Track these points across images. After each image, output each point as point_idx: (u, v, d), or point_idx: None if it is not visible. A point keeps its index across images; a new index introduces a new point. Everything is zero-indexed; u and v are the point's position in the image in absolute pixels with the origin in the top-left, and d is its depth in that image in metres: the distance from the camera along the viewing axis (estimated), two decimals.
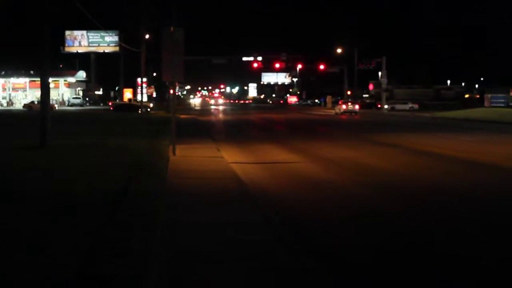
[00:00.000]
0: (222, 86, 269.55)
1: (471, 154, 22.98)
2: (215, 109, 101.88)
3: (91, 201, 11.30)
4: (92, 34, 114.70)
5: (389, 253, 8.82)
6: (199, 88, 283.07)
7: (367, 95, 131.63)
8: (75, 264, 7.14)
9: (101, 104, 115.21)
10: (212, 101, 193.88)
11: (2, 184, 13.76)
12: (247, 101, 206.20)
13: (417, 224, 10.78)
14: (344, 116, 72.91)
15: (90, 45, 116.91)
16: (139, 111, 71.95)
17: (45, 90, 23.61)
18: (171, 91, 36.76)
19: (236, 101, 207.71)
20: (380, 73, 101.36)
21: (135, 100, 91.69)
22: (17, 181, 14.11)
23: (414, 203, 12.81)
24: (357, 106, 79.31)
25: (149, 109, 76.23)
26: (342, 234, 10.06)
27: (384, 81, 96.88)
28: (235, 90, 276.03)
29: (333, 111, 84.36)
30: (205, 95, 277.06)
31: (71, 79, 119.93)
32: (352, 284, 7.51)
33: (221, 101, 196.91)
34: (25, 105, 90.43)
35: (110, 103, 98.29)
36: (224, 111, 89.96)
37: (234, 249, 8.35)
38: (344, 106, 78.91)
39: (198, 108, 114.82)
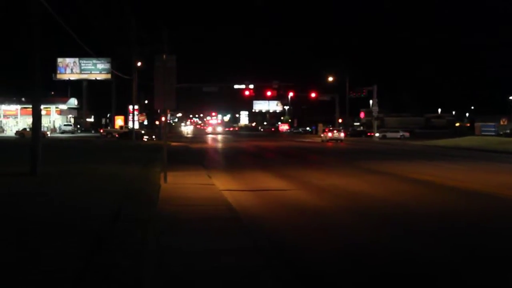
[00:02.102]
0: (213, 114, 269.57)
1: (460, 183, 23.10)
2: (208, 137, 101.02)
3: (80, 228, 11.27)
4: (84, 61, 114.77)
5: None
6: (191, 116, 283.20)
7: (358, 123, 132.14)
8: None
9: (93, 131, 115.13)
10: (209, 129, 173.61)
11: None
12: (231, 128, 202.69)
13: (409, 256, 10.79)
14: (330, 143, 73.88)
15: (82, 72, 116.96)
16: (144, 139, 72.68)
17: (36, 117, 23.61)
18: (163, 119, 36.79)
19: (230, 129, 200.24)
20: (371, 101, 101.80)
21: (127, 127, 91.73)
22: (4, 208, 14.07)
23: (406, 232, 12.83)
24: (342, 134, 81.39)
25: (154, 137, 76.66)
26: (329, 261, 10.06)
27: (375, 109, 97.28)
28: (227, 117, 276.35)
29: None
30: (196, 122, 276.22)
31: (63, 106, 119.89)
32: None
33: (220, 128, 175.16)
34: (17, 132, 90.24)
35: (101, 130, 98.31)
36: (214, 139, 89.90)
37: (224, 274, 8.35)
38: (330, 134, 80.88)
39: (190, 136, 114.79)
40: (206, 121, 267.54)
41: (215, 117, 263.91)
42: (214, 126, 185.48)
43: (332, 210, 16.08)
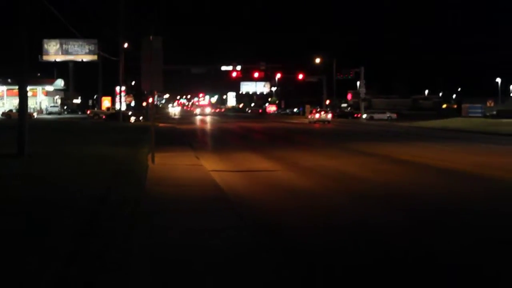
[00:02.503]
0: (201, 95, 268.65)
1: (445, 163, 23.28)
2: (195, 119, 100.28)
3: (68, 209, 11.29)
4: (70, 42, 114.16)
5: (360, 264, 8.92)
6: (178, 97, 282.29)
7: (345, 105, 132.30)
8: (55, 271, 7.15)
9: (79, 113, 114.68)
10: (198, 110, 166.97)
11: None
12: (217, 110, 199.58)
13: (397, 232, 10.89)
14: (317, 124, 73.81)
15: (68, 54, 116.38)
16: (130, 121, 72.27)
17: (23, 98, 23.51)
18: (150, 100, 36.71)
19: (216, 110, 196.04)
20: (358, 83, 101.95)
21: (113, 108, 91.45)
22: None
23: (393, 211, 12.93)
24: (329, 115, 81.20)
25: (141, 119, 76.32)
26: (316, 237, 10.14)
27: (362, 90, 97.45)
28: (214, 99, 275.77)
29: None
30: (184, 104, 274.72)
31: (49, 88, 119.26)
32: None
33: (208, 110, 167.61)
34: (3, 113, 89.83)
35: (88, 112, 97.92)
36: (202, 121, 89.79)
37: (212, 255, 8.40)
38: (317, 115, 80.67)
39: (177, 117, 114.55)
40: (194, 102, 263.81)
41: (203, 98, 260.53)
42: (203, 108, 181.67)
43: (320, 190, 16.15)
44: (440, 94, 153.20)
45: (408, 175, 19.75)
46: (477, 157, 26.62)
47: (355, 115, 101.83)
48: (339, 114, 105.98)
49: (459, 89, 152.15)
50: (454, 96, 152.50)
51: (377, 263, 8.69)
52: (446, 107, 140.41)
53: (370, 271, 8.30)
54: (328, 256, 9.12)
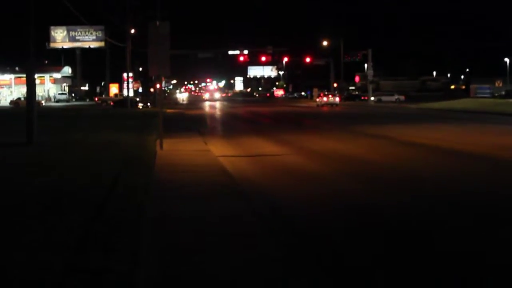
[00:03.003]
0: (208, 80, 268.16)
1: (453, 144, 23.27)
2: (204, 104, 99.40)
3: (79, 196, 11.35)
4: (77, 29, 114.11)
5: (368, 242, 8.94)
6: (185, 83, 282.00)
7: (353, 87, 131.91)
8: (66, 258, 7.20)
9: (87, 100, 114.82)
10: (206, 95, 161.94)
11: None
12: (223, 94, 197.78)
13: (408, 216, 10.90)
14: (325, 108, 73.70)
15: (76, 41, 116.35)
16: (138, 107, 72.15)
17: (31, 86, 23.57)
18: (158, 86, 36.72)
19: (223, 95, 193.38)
20: (366, 65, 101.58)
21: (121, 95, 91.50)
22: (2, 177, 14.14)
23: (402, 194, 12.94)
24: (337, 99, 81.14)
25: (149, 105, 76.35)
26: (325, 223, 10.16)
27: (370, 73, 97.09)
28: (221, 84, 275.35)
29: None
30: (191, 89, 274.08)
31: (57, 75, 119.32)
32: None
33: (218, 95, 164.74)
34: (11, 102, 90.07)
35: (96, 99, 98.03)
36: (210, 106, 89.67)
37: (222, 239, 8.43)
38: (325, 99, 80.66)
39: (185, 102, 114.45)
40: (203, 87, 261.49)
41: (210, 83, 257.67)
42: (211, 92, 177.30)
43: (329, 174, 16.16)
44: (448, 75, 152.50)
45: (416, 157, 19.73)
46: (485, 137, 26.55)
47: (362, 98, 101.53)
48: (346, 97, 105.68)
49: (467, 70, 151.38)
50: (462, 77, 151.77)
51: (385, 246, 8.72)
52: (455, 88, 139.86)
53: (378, 253, 8.32)
54: (336, 239, 9.15)
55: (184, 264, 7.35)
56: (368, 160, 19.00)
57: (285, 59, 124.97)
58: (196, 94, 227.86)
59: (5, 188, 12.49)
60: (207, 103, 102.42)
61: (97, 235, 8.30)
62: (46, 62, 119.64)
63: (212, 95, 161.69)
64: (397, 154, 20.44)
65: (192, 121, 43.17)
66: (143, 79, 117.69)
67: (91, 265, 6.97)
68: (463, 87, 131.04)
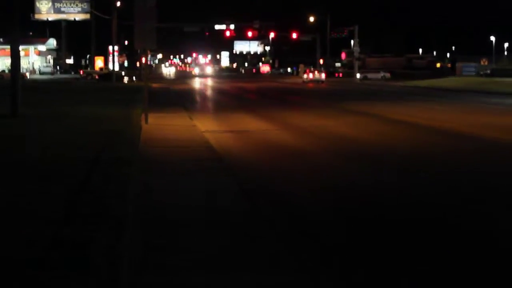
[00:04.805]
0: (194, 55, 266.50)
1: (436, 122, 23.41)
2: (191, 80, 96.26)
3: (63, 169, 11.32)
4: (62, 1, 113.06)
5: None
6: (171, 57, 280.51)
7: (339, 64, 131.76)
8: (50, 231, 7.20)
9: (72, 73, 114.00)
10: (196, 70, 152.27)
11: None
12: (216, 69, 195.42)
13: (387, 195, 10.98)
14: (311, 84, 73.61)
15: (61, 12, 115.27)
16: (124, 81, 71.74)
17: (15, 58, 23.37)
18: (143, 60, 36.54)
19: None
20: (352, 42, 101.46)
21: (107, 68, 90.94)
22: None
23: (389, 172, 13.02)
24: (323, 75, 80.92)
25: (134, 79, 75.94)
26: (308, 200, 10.22)
27: (356, 50, 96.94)
28: (208, 58, 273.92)
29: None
30: (178, 64, 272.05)
31: (42, 47, 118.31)
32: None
33: (210, 69, 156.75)
34: None
35: (81, 72, 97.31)
36: (197, 82, 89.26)
37: (204, 215, 8.47)
38: (311, 75, 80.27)
39: (172, 77, 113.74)
40: (192, 61, 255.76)
41: (202, 57, 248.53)
42: (202, 67, 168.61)
43: (314, 151, 16.23)
44: (434, 53, 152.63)
45: (400, 135, 19.82)
46: (468, 115, 26.72)
47: (336, 75, 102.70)
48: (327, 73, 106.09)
49: (453, 48, 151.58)
50: (448, 55, 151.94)
51: (368, 221, 8.79)
52: (440, 66, 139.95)
53: (359, 230, 8.39)
54: (316, 215, 9.22)
55: (167, 236, 7.39)
56: (352, 137, 19.08)
57: (272, 35, 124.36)
58: (183, 69, 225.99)
59: None
60: (196, 80, 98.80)
61: (81, 208, 8.30)
62: (31, 33, 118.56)
63: (203, 69, 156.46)
64: (381, 132, 20.52)
65: (177, 96, 43.05)
66: (129, 52, 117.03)
67: (76, 237, 6.97)
68: (449, 65, 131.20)
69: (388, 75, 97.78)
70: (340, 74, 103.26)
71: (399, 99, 40.74)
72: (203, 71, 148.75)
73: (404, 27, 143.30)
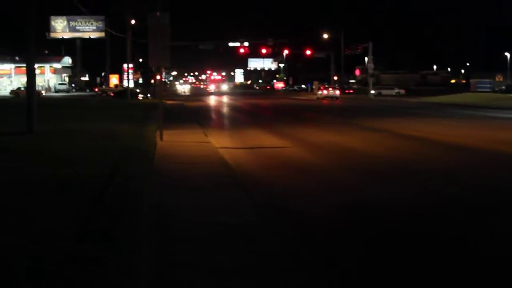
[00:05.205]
0: (208, 72, 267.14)
1: (454, 138, 23.27)
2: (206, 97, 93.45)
3: (78, 185, 11.38)
4: (77, 19, 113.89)
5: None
6: (186, 74, 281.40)
7: (353, 80, 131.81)
8: (65, 246, 7.23)
9: (87, 90, 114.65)
10: (212, 87, 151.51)
11: None
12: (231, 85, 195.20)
13: (406, 210, 10.94)
14: (326, 101, 73.72)
15: (76, 31, 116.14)
16: (138, 98, 72.42)
17: (31, 76, 23.59)
18: (158, 77, 36.71)
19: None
20: (366, 59, 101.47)
21: (121, 86, 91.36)
22: (0, 166, 14.17)
23: (406, 188, 12.98)
24: (337, 92, 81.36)
25: (149, 96, 76.55)
26: (326, 217, 10.20)
27: (370, 66, 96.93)
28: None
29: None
30: (192, 81, 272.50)
31: (57, 65, 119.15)
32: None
33: (225, 86, 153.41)
34: (12, 92, 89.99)
35: (96, 89, 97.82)
36: (212, 99, 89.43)
37: (218, 231, 8.47)
38: (325, 92, 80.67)
39: (186, 94, 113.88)
40: (207, 78, 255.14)
41: (216, 75, 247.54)
42: (218, 84, 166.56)
43: (328, 167, 16.19)
44: (449, 69, 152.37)
45: (416, 150, 19.75)
46: (483, 131, 26.61)
47: (347, 91, 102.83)
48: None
49: (467, 64, 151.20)
50: (462, 71, 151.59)
51: (381, 238, 8.76)
52: (455, 82, 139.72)
53: (375, 246, 8.36)
54: (333, 233, 9.20)
55: (181, 253, 7.39)
56: (368, 153, 19.03)
57: (286, 52, 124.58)
58: (197, 86, 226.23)
59: (4, 177, 12.51)
60: (211, 97, 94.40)
61: (96, 224, 8.34)
62: (46, 52, 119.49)
63: (219, 87, 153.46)
64: (396, 148, 20.46)
65: (192, 113, 43.16)
66: (143, 70, 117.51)
67: (90, 254, 7.00)
68: (464, 81, 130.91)
69: (402, 91, 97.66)
70: (351, 91, 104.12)
71: (413, 115, 40.61)
72: (218, 88, 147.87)
73: (418, 43, 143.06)
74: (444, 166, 16.02)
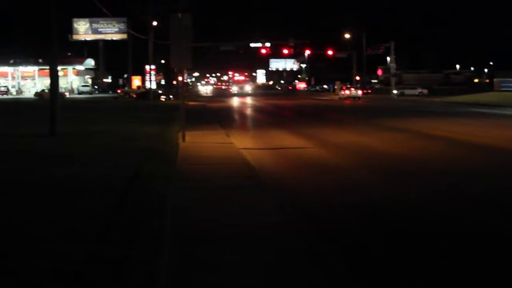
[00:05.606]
0: (230, 73, 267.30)
1: (479, 138, 23.02)
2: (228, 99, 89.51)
3: (101, 186, 11.40)
4: (100, 22, 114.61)
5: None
6: (207, 75, 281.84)
7: (376, 80, 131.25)
8: (86, 247, 7.23)
9: (110, 92, 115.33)
10: (235, 88, 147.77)
11: (12, 168, 13.89)
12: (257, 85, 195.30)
13: (428, 210, 10.83)
14: (348, 101, 73.46)
15: (98, 33, 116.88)
16: (161, 99, 72.82)
17: (54, 78, 23.74)
18: (180, 78, 36.80)
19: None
20: (388, 58, 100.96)
21: (144, 87, 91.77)
22: (25, 168, 14.24)
23: (426, 188, 12.86)
24: (360, 92, 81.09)
25: (171, 97, 76.93)
26: (347, 217, 10.13)
27: (392, 66, 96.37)
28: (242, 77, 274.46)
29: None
30: (214, 82, 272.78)
31: (80, 67, 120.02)
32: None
33: (248, 87, 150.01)
34: (36, 94, 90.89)
35: (119, 91, 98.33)
36: (234, 100, 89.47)
37: (242, 232, 8.43)
38: (347, 92, 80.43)
39: (208, 95, 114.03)
40: (229, 79, 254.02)
41: (238, 75, 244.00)
42: (241, 85, 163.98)
43: (351, 167, 16.09)
44: (472, 68, 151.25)
45: (440, 151, 19.58)
46: (507, 130, 26.34)
47: (364, 91, 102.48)
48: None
49: (491, 63, 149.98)
50: (486, 70, 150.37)
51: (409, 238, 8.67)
52: (478, 81, 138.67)
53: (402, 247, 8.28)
54: (357, 233, 9.12)
55: (203, 254, 7.36)
56: (390, 154, 18.89)
57: (307, 52, 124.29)
58: (219, 87, 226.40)
59: (28, 179, 12.58)
60: (234, 98, 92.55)
61: (119, 225, 8.33)
62: (69, 54, 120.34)
63: (242, 88, 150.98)
64: (421, 148, 20.29)
65: (214, 114, 43.22)
66: (166, 71, 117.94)
67: (112, 254, 6.99)
68: (487, 80, 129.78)
69: (425, 91, 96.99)
70: (369, 90, 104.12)
71: (437, 115, 40.31)
72: (242, 89, 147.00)
73: (441, 42, 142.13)
74: (473, 166, 15.82)
